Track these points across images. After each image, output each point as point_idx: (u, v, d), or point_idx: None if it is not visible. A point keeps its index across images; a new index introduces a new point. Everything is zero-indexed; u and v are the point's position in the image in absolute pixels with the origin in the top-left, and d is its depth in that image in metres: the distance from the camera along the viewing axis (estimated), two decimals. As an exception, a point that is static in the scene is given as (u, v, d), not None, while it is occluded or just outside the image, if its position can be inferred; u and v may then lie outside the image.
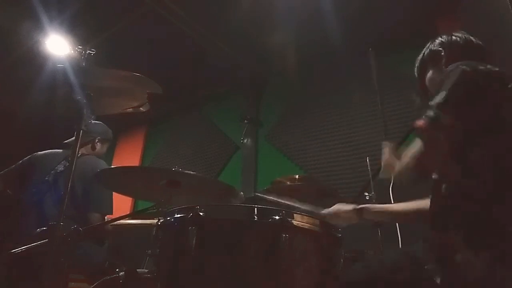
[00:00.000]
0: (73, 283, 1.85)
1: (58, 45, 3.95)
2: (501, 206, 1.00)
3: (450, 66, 1.14)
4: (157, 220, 1.44)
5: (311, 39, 3.79)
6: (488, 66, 1.12)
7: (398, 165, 1.32)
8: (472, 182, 1.05)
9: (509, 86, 1.09)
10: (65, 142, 2.38)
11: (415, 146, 1.17)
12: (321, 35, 3.60)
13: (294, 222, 1.22)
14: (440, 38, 1.46)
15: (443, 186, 1.14)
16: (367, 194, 2.28)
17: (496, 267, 0.93)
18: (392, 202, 2.36)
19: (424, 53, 1.51)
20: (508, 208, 1.00)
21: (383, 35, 3.54)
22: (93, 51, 1.66)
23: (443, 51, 1.41)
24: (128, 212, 3.98)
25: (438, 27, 3.27)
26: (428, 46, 1.50)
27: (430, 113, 1.03)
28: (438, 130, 1.04)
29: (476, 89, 1.06)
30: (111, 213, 2.31)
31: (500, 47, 2.18)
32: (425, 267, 1.02)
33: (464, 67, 1.08)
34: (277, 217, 1.20)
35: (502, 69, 1.14)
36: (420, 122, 1.05)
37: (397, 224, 2.41)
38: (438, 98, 1.05)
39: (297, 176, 2.47)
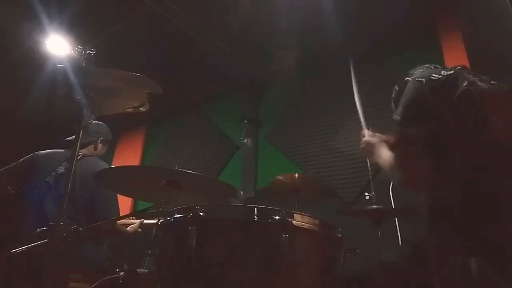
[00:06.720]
0: (73, 283, 1.85)
1: (58, 45, 3.95)
2: (495, 207, 1.01)
3: (408, 79, 1.18)
4: (157, 220, 1.44)
5: (311, 39, 3.79)
6: (442, 72, 1.13)
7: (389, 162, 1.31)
8: (453, 186, 1.07)
9: (460, 90, 1.10)
10: (67, 140, 2.37)
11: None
12: (321, 35, 3.60)
13: (294, 222, 1.22)
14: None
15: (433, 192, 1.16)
16: (367, 194, 2.28)
17: (491, 270, 0.93)
18: (392, 202, 2.37)
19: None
20: (501, 210, 1.00)
21: (383, 35, 3.54)
22: (93, 51, 1.66)
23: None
24: (128, 212, 3.98)
25: (438, 27, 3.27)
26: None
27: (396, 129, 1.14)
28: (406, 143, 1.12)
29: (429, 100, 1.10)
30: (119, 216, 2.29)
31: (500, 47, 2.17)
32: (423, 267, 1.02)
33: (418, 79, 1.13)
34: (277, 217, 1.20)
35: (456, 70, 1.15)
36: (389, 138, 1.17)
37: (397, 224, 2.41)
38: (397, 114, 1.14)
39: (296, 176, 2.45)
